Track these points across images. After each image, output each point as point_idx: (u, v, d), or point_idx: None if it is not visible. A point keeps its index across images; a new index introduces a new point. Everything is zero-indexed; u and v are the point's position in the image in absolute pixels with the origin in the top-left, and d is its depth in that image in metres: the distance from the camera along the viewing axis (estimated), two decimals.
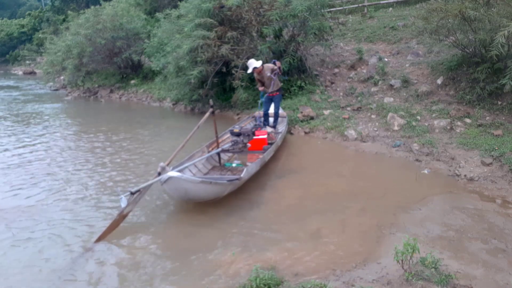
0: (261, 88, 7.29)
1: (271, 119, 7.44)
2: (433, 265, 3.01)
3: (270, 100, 7.33)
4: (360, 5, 14.40)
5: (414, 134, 6.55)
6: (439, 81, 7.87)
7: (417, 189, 4.93)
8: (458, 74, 7.68)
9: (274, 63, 7.15)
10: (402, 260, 2.93)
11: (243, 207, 4.66)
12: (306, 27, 8.86)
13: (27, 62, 38.16)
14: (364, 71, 9.44)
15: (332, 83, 9.55)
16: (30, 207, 4.93)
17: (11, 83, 25.01)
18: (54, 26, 31.71)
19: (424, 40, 9.52)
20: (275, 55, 9.21)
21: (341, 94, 8.99)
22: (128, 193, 4.23)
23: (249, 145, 5.98)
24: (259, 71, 7.04)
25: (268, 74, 7.06)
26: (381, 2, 14.07)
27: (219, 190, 4.60)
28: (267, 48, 8.76)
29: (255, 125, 6.98)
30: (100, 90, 16.73)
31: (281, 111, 7.78)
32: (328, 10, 10.42)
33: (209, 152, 5.76)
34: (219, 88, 10.27)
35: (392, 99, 7.98)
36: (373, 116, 7.60)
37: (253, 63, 6.95)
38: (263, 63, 7.22)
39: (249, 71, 7.03)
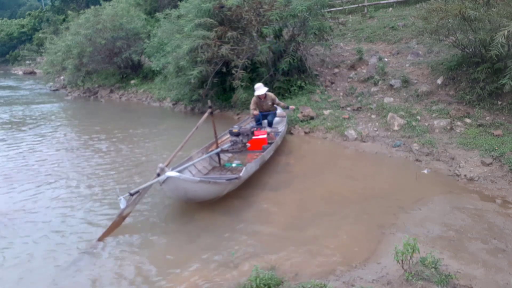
0: (255, 112, 7.12)
1: (264, 121, 7.37)
2: (433, 265, 3.00)
3: (263, 116, 7.30)
4: (360, 5, 14.40)
5: (414, 134, 6.55)
6: (439, 81, 7.87)
7: (417, 189, 4.93)
8: (458, 74, 7.67)
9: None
10: (402, 260, 2.93)
11: (242, 208, 4.65)
12: (306, 27, 8.86)
13: (27, 62, 38.20)
14: (364, 71, 9.44)
15: (332, 83, 9.55)
16: (29, 207, 4.93)
17: (11, 83, 25.02)
18: (54, 26, 31.69)
19: (424, 40, 9.53)
20: (275, 54, 9.21)
21: (341, 94, 8.98)
22: (127, 194, 4.23)
23: (248, 145, 5.98)
24: (262, 97, 7.10)
25: (270, 103, 7.21)
26: (381, 2, 14.07)
27: (219, 189, 4.59)
28: (267, 48, 8.76)
29: (253, 126, 6.97)
30: (100, 90, 16.73)
31: (280, 111, 7.77)
32: (328, 10, 10.42)
33: (208, 152, 5.75)
34: (219, 88, 10.26)
35: (392, 99, 7.98)
36: (373, 116, 7.59)
37: (261, 88, 7.00)
38: (267, 89, 7.25)
39: (256, 93, 7.00)
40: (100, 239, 4.00)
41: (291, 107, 7.57)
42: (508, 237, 3.74)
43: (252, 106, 7.15)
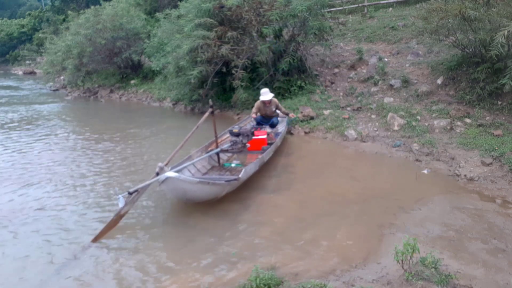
0: (254, 116, 7.21)
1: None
2: (433, 265, 3.00)
3: (265, 120, 7.30)
4: (360, 5, 14.40)
5: (414, 134, 6.55)
6: (439, 81, 7.87)
7: (417, 189, 4.93)
8: (458, 74, 7.67)
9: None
10: (402, 260, 2.92)
11: (242, 209, 4.64)
12: (306, 27, 8.86)
13: (27, 62, 38.21)
14: (364, 71, 9.43)
15: (332, 83, 9.54)
16: (28, 206, 4.92)
17: (11, 83, 25.01)
18: (54, 26, 31.69)
19: (424, 40, 9.53)
20: (275, 54, 9.21)
21: (341, 94, 8.98)
22: (126, 193, 4.22)
23: (248, 145, 5.97)
24: (267, 102, 7.13)
25: (273, 109, 7.26)
26: (381, 2, 14.07)
27: (217, 190, 4.59)
28: (267, 48, 8.75)
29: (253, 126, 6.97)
30: (100, 90, 16.73)
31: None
32: (328, 10, 10.42)
33: (208, 152, 5.75)
34: (219, 88, 10.26)
35: (392, 99, 7.97)
36: (373, 116, 7.59)
37: (267, 94, 7.05)
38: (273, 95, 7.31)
39: (261, 98, 7.05)
40: (97, 238, 3.98)
41: (291, 115, 7.49)
42: (508, 237, 3.74)
43: (254, 109, 7.19)
